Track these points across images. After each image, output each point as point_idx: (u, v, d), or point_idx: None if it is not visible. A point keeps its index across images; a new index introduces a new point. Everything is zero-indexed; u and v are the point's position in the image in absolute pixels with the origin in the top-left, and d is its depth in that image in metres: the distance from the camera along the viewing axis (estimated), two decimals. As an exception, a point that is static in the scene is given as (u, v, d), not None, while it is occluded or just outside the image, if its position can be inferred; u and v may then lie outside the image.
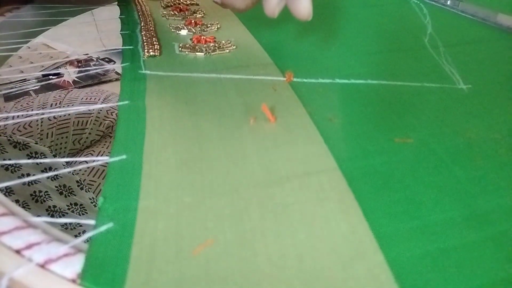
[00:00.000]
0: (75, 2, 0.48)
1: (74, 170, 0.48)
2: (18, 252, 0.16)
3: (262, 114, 0.24)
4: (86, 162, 0.22)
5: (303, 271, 0.15)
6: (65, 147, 0.61)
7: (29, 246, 0.16)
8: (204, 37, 0.36)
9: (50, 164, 0.42)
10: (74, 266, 0.15)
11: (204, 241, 0.16)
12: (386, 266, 0.15)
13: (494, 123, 0.25)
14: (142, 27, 0.38)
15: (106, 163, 0.20)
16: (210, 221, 0.17)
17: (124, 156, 0.20)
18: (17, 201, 0.41)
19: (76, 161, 0.54)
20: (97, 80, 1.10)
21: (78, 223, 0.40)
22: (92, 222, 0.17)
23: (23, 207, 0.40)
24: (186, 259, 0.15)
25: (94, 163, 0.21)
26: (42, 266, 0.15)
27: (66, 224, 0.39)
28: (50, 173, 0.26)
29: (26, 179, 0.18)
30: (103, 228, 0.16)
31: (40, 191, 0.45)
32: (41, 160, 0.22)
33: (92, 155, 0.61)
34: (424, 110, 0.26)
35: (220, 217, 0.17)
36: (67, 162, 0.47)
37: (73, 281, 0.15)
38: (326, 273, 0.15)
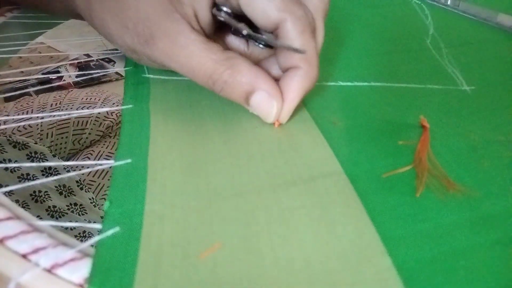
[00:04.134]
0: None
1: (74, 170, 0.48)
2: (24, 256, 0.16)
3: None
4: (88, 166, 0.22)
5: (311, 275, 0.15)
6: (65, 147, 0.61)
7: (35, 251, 0.16)
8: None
9: (50, 165, 0.42)
10: (81, 270, 0.15)
11: (211, 245, 0.16)
12: (394, 270, 0.15)
13: (498, 124, 0.25)
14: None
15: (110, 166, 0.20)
16: (217, 225, 0.17)
17: (129, 160, 0.20)
18: (17, 201, 0.41)
19: (79, 165, 0.53)
20: (97, 80, 1.09)
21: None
22: (98, 226, 0.17)
23: (23, 207, 0.40)
24: (193, 264, 0.15)
25: (99, 167, 0.21)
26: (49, 270, 0.15)
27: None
28: (54, 177, 0.26)
29: (30, 183, 0.18)
30: (109, 232, 0.16)
31: (39, 191, 0.45)
32: (44, 164, 0.22)
33: (92, 155, 0.61)
34: (428, 112, 0.26)
35: (227, 221, 0.17)
36: (70, 165, 0.47)
37: (81, 285, 0.15)
38: (333, 277, 0.15)
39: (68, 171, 0.47)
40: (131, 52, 0.24)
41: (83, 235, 0.44)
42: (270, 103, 0.22)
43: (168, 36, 0.21)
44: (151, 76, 0.28)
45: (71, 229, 0.41)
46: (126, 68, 0.29)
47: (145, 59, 0.23)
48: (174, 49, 0.21)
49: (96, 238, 0.16)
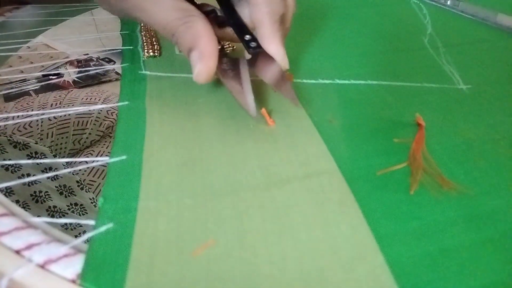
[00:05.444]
0: (74, 1, 0.48)
1: (74, 170, 0.48)
2: (18, 252, 0.16)
3: (262, 116, 0.24)
4: (86, 162, 0.22)
5: (304, 272, 0.15)
6: (65, 147, 0.61)
7: (29, 247, 0.16)
8: (204, 38, 0.36)
9: (50, 164, 0.42)
10: (74, 266, 0.15)
11: (205, 243, 0.16)
12: (387, 267, 0.15)
13: (494, 123, 0.25)
14: (142, 27, 0.38)
15: (106, 163, 0.20)
16: (211, 222, 0.17)
17: (124, 157, 0.20)
18: (17, 202, 0.41)
19: (76, 162, 0.53)
20: (97, 80, 1.09)
21: (78, 224, 0.40)
22: (92, 222, 0.17)
23: (23, 207, 0.40)
24: (187, 260, 0.15)
25: (94, 164, 0.21)
26: (42, 266, 0.15)
27: (66, 224, 0.39)
28: (51, 173, 0.26)
29: (27, 179, 0.18)
30: (103, 228, 0.16)
31: (40, 191, 0.45)
32: (41, 161, 0.22)
33: (92, 155, 0.61)
34: (424, 110, 0.26)
35: (221, 218, 0.17)
36: (67, 162, 0.47)
37: (73, 281, 0.15)
38: (326, 275, 0.15)
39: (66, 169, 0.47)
40: (106, 5, 0.25)
41: (83, 236, 0.44)
42: (197, 62, 0.23)
43: None
44: (148, 73, 0.28)
45: (71, 229, 0.41)
46: (123, 65, 0.29)
47: (117, 11, 0.25)
48: (145, 3, 0.23)
49: (89, 234, 0.16)
